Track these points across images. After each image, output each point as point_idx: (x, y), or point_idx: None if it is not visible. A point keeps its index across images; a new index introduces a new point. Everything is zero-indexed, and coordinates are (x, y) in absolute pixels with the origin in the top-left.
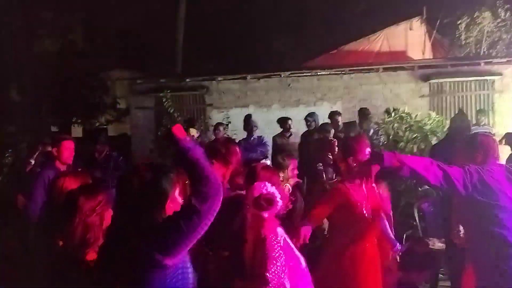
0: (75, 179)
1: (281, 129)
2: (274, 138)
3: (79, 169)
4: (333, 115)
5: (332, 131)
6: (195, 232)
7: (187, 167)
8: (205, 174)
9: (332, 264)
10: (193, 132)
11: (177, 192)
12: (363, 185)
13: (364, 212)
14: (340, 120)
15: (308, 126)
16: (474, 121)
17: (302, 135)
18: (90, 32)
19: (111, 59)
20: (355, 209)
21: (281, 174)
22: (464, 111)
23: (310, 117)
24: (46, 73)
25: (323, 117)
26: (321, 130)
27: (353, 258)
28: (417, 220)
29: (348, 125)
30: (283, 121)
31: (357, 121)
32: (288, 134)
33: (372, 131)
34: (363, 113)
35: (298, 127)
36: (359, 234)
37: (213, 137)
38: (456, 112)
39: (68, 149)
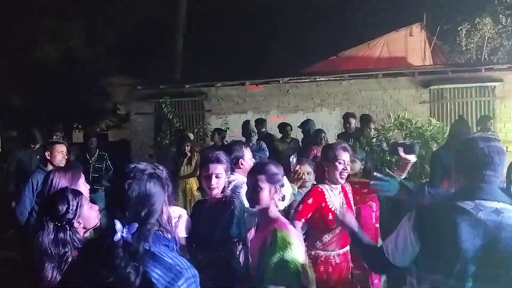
0: (65, 174)
1: (281, 135)
2: (275, 143)
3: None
4: (346, 117)
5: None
6: None
7: None
8: None
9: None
10: (191, 136)
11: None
12: (344, 193)
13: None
14: (354, 122)
15: (303, 133)
16: (478, 128)
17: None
18: (91, 38)
19: (112, 65)
20: (327, 214)
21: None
22: (465, 118)
23: (302, 126)
24: (47, 79)
25: (321, 123)
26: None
27: (319, 264)
28: None
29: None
30: (282, 127)
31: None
32: (288, 140)
33: (372, 137)
34: (365, 119)
35: (297, 133)
36: (329, 241)
37: (211, 143)
38: (457, 118)
39: (60, 153)
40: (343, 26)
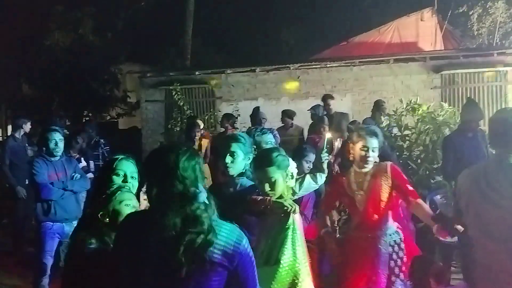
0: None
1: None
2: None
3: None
4: (325, 98)
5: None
6: None
7: None
8: None
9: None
10: (201, 124)
11: None
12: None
13: (357, 204)
14: (332, 104)
15: (312, 118)
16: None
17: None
18: (100, 26)
19: (121, 53)
20: (348, 200)
21: None
22: (475, 100)
23: (313, 110)
24: (57, 67)
25: (334, 109)
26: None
27: (352, 247)
28: None
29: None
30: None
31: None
32: (288, 126)
33: (384, 122)
34: (378, 104)
35: (308, 120)
36: (356, 225)
37: (221, 129)
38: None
39: (51, 141)
40: (353, 12)
